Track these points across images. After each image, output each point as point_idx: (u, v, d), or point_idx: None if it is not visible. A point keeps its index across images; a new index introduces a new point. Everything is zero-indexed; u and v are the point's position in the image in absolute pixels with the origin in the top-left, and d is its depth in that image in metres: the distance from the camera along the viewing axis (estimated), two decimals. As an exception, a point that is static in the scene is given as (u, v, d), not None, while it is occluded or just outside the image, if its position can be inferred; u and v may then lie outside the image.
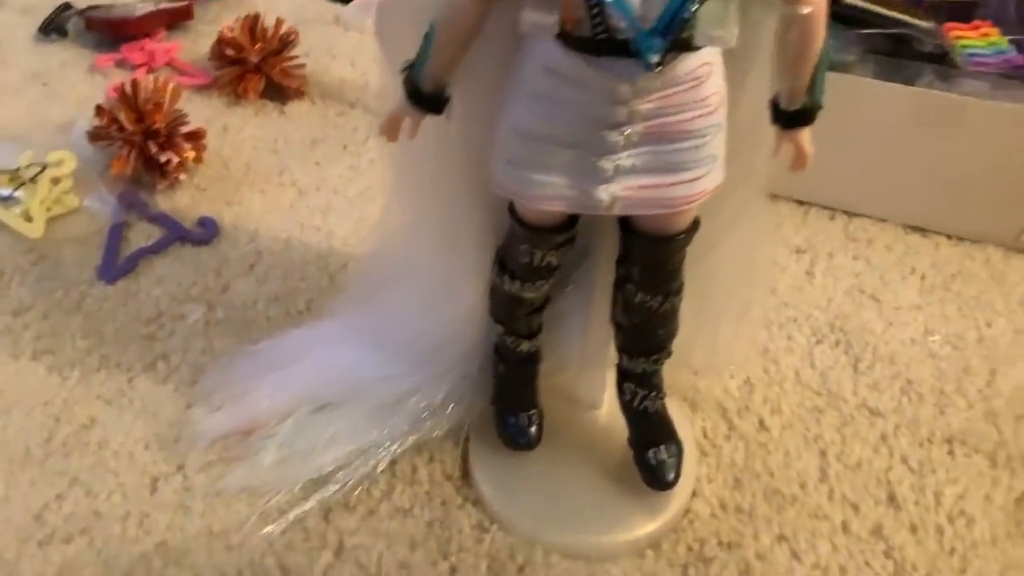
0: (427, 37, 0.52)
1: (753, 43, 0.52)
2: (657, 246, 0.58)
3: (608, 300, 0.64)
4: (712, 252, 0.63)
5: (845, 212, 0.95)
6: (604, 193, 0.53)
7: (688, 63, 0.49)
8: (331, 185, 0.98)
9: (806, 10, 0.48)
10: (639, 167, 0.52)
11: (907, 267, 0.89)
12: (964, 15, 1.02)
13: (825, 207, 0.95)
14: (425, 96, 0.53)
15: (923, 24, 0.99)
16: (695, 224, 0.58)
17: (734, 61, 0.52)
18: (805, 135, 0.54)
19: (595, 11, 0.46)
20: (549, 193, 0.54)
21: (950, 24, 0.98)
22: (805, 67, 0.51)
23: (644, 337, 0.64)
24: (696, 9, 0.46)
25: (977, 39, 0.96)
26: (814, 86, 0.52)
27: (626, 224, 0.59)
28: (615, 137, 0.51)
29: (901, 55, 0.95)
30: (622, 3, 0.45)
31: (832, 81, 0.88)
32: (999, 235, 0.91)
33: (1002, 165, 0.87)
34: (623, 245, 0.60)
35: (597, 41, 0.47)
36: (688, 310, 0.63)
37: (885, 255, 0.91)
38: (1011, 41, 0.96)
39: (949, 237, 0.92)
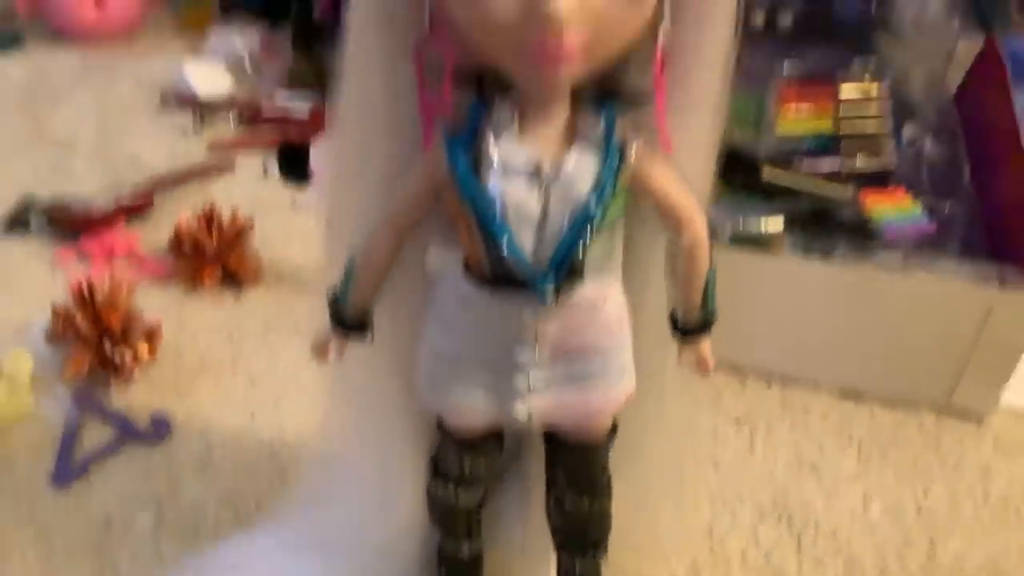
0: (348, 268, 0.56)
1: (647, 266, 0.57)
2: (577, 452, 0.61)
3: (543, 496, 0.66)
4: (643, 436, 0.66)
5: (781, 379, 0.98)
6: (521, 408, 0.57)
7: (585, 291, 0.53)
8: (283, 372, 1.00)
9: (688, 237, 0.53)
10: (552, 383, 0.56)
11: (844, 436, 0.92)
12: (881, 181, 1.08)
13: (762, 374, 0.99)
14: (348, 323, 0.57)
15: (842, 193, 1.05)
16: (614, 428, 0.61)
17: (633, 283, 0.56)
18: (705, 344, 0.58)
19: (492, 252, 0.50)
20: (469, 411, 0.58)
21: (867, 191, 1.03)
22: (695, 287, 0.55)
23: (578, 537, 0.66)
24: (584, 246, 0.50)
25: (892, 206, 1.01)
26: (707, 302, 0.56)
27: (549, 436, 0.62)
28: (525, 357, 0.55)
29: (822, 225, 1.00)
30: (515, 249, 0.49)
31: (755, 258, 0.93)
32: (930, 398, 0.94)
33: (923, 332, 0.91)
34: (547, 451, 0.63)
35: (498, 279, 0.51)
36: (626, 495, 0.65)
37: (822, 424, 0.93)
38: (924, 207, 1.02)
39: (883, 403, 0.95)
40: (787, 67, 1.27)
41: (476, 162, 0.49)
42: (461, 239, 0.52)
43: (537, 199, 0.49)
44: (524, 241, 0.50)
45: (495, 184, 0.49)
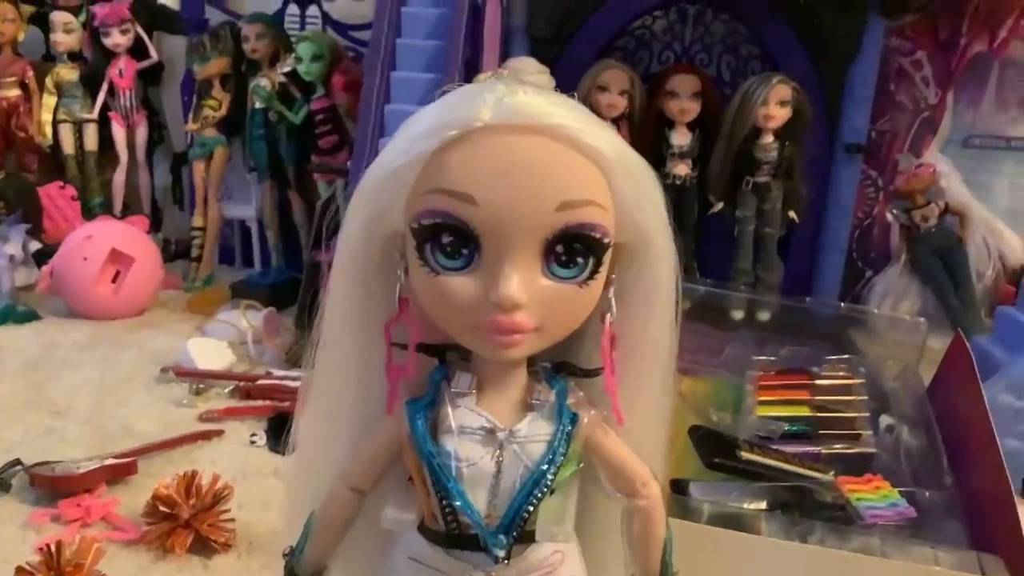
0: (307, 525, 0.57)
1: (604, 530, 0.57)
2: None
3: None
4: None
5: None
6: None
7: (540, 552, 0.54)
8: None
9: (642, 503, 0.55)
10: None
11: None
12: (860, 467, 1.09)
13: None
14: None
15: (821, 477, 1.05)
16: None
17: (590, 545, 0.57)
18: None
19: (447, 510, 0.52)
20: None
21: (843, 478, 1.04)
22: (652, 551, 0.56)
23: None
24: (536, 506, 0.52)
25: (870, 492, 1.01)
26: (665, 568, 0.56)
27: None
28: None
29: (802, 506, 1.00)
30: (468, 506, 0.51)
31: (734, 538, 0.92)
32: None
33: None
34: None
35: (452, 536, 0.53)
36: None
37: None
38: (902, 493, 1.02)
39: None
40: (765, 358, 1.32)
41: (435, 424, 0.53)
42: (418, 497, 0.54)
43: (492, 458, 0.52)
44: (478, 499, 0.52)
45: (451, 444, 0.52)
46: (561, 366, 0.55)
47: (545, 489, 0.51)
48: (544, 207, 0.48)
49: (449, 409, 0.52)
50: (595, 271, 0.50)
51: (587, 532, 0.58)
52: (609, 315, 0.53)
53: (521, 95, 0.48)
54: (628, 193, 0.50)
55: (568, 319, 0.52)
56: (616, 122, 1.64)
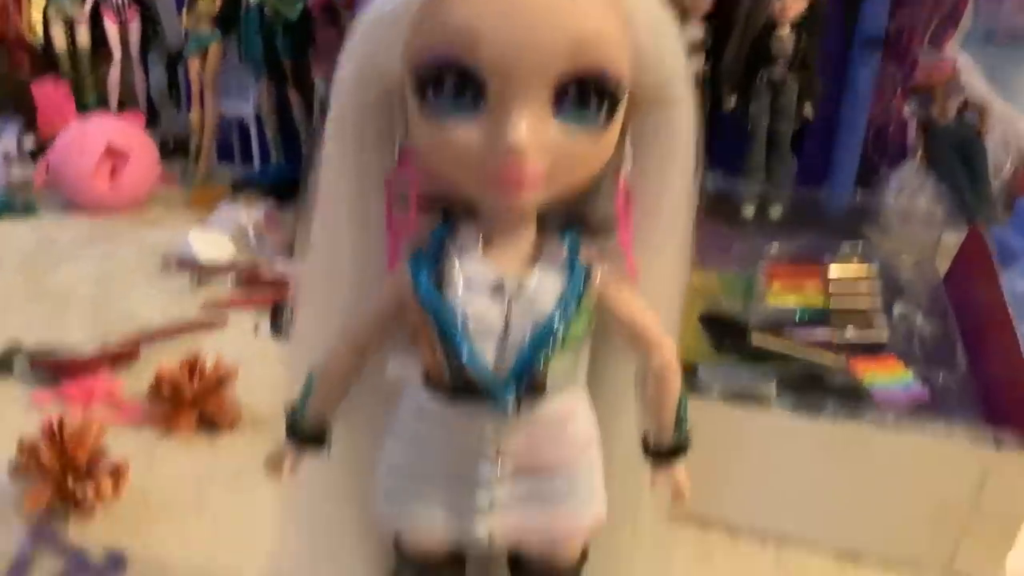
0: (307, 382, 0.55)
1: (617, 387, 0.56)
2: None
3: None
4: (616, 570, 0.61)
5: (776, 539, 0.93)
6: (482, 527, 0.54)
7: (550, 405, 0.52)
8: (250, 519, 0.95)
9: (656, 360, 0.53)
10: (515, 501, 0.54)
11: (843, 600, 0.86)
12: (872, 353, 1.07)
13: (756, 535, 0.93)
14: (305, 435, 0.56)
15: (832, 360, 1.04)
16: (584, 556, 0.58)
17: (602, 402, 0.55)
18: (679, 470, 0.56)
19: (454, 364, 0.50)
20: (428, 529, 0.55)
21: (858, 359, 1.03)
22: (666, 410, 0.54)
23: None
24: (545, 362, 0.49)
25: (883, 373, 1.00)
26: (679, 428, 0.54)
27: (514, 563, 0.58)
28: (486, 472, 0.53)
29: (814, 389, 0.98)
30: (475, 359, 0.49)
31: (746, 414, 0.91)
32: (931, 561, 0.89)
33: (917, 493, 0.87)
34: None
35: (458, 391, 0.50)
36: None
37: (819, 589, 0.88)
38: (915, 374, 1.00)
39: (883, 566, 0.90)
40: (777, 248, 1.30)
41: (439, 280, 0.50)
42: (422, 351, 0.52)
43: (499, 313, 0.49)
44: (485, 352, 0.49)
45: (457, 299, 0.49)
46: (573, 220, 0.51)
47: (555, 344, 0.49)
48: (555, 47, 0.43)
49: (455, 262, 0.50)
50: (609, 117, 0.46)
51: (599, 388, 0.56)
52: (624, 169, 0.50)
53: None
54: (646, 37, 0.46)
55: (579, 168, 0.48)
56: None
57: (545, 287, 0.49)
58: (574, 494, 0.54)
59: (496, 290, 0.49)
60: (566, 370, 0.52)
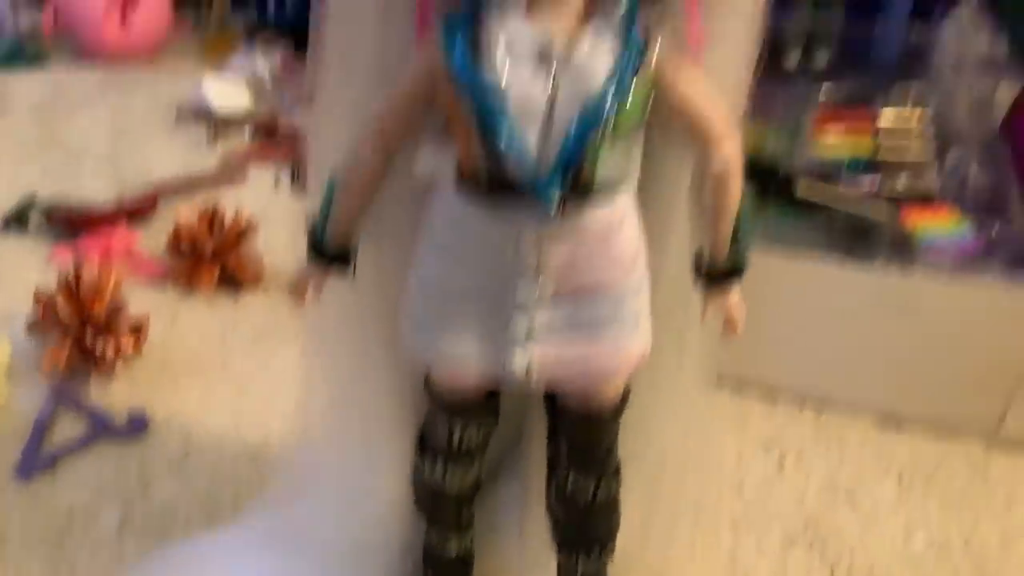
0: (328, 189, 0.49)
1: (671, 195, 0.50)
2: (584, 422, 0.53)
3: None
4: (658, 436, 0.58)
5: (815, 402, 0.90)
6: (520, 360, 0.49)
7: (596, 214, 0.46)
8: (275, 379, 0.94)
9: (718, 159, 0.46)
10: (555, 328, 0.49)
11: (883, 465, 0.83)
12: (924, 202, 1.01)
13: (794, 397, 0.90)
14: (329, 254, 0.51)
15: (881, 211, 0.98)
16: (625, 398, 0.53)
17: (653, 217, 0.49)
18: (733, 298, 0.50)
19: (491, 154, 0.44)
20: (461, 361, 0.50)
21: (909, 208, 0.97)
22: (724, 222, 0.48)
23: (582, 530, 0.57)
24: (595, 150, 0.43)
25: (937, 223, 0.94)
26: (738, 244, 0.49)
27: (551, 400, 0.54)
28: (525, 291, 0.47)
29: (862, 240, 0.93)
30: (516, 143, 0.43)
31: (794, 266, 0.86)
32: (978, 425, 0.85)
33: (967, 351, 0.83)
34: (550, 422, 0.55)
35: (496, 188, 0.45)
36: (637, 501, 0.58)
37: (859, 451, 0.85)
38: (971, 223, 0.95)
39: (927, 430, 0.87)
40: (825, 93, 1.22)
41: (476, 48, 0.43)
42: (456, 139, 0.45)
43: (544, 88, 0.43)
44: (527, 138, 0.43)
45: (496, 68, 0.43)
46: None
47: (606, 127, 0.43)
48: None
49: (494, 25, 0.43)
50: None
51: (649, 199, 0.50)
52: None
53: None
54: None
55: None
56: None
57: (597, 55, 0.43)
58: (619, 320, 0.49)
59: (542, 57, 0.42)
60: (618, 165, 0.45)
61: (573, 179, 0.44)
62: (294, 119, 1.48)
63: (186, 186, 1.29)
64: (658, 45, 0.44)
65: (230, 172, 1.34)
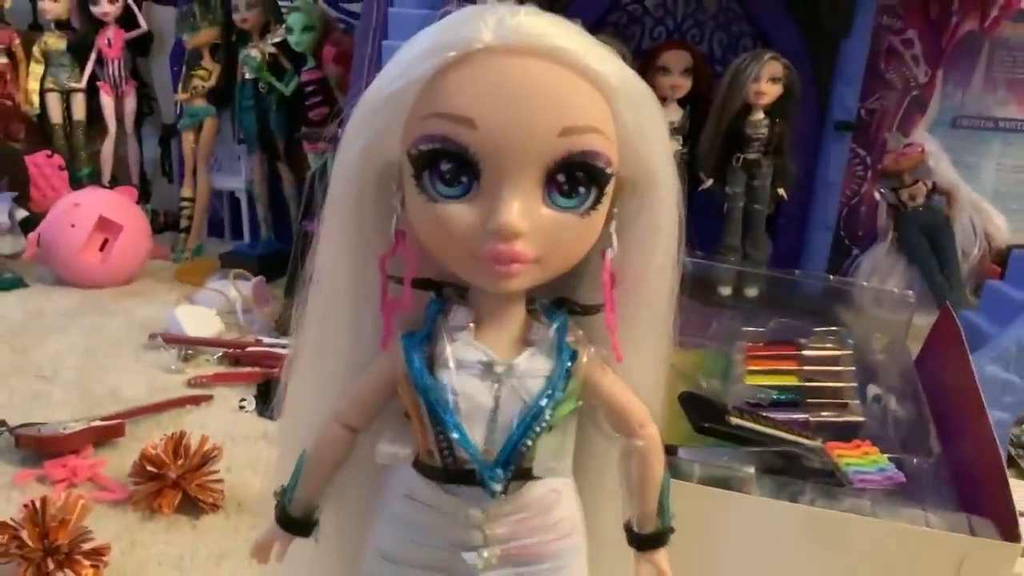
0: (298, 463, 0.56)
1: (602, 474, 0.57)
2: None
3: None
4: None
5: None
6: None
7: (535, 490, 0.53)
8: (232, 604, 0.96)
9: (640, 443, 0.54)
10: None
11: None
12: (848, 436, 1.09)
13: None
14: (294, 520, 0.56)
15: (809, 443, 1.06)
16: None
17: (587, 489, 0.57)
18: (661, 556, 0.57)
19: (443, 444, 0.51)
20: None
21: (832, 444, 1.04)
22: (649, 495, 0.55)
23: None
24: (533, 442, 0.51)
25: (858, 458, 1.02)
26: (662, 511, 0.56)
27: None
28: (473, 560, 0.53)
29: (792, 471, 1.00)
30: (466, 439, 0.51)
31: (726, 499, 0.92)
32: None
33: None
34: None
35: (448, 471, 0.52)
36: None
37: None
38: (890, 459, 1.02)
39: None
40: (754, 329, 1.32)
41: (431, 359, 0.52)
42: (413, 433, 0.53)
43: (490, 393, 0.51)
44: (475, 434, 0.51)
45: (449, 378, 0.51)
46: (560, 303, 0.53)
47: (543, 424, 0.51)
48: (546, 132, 0.46)
49: (446, 343, 0.51)
50: (597, 202, 0.49)
51: (584, 473, 0.57)
52: (610, 251, 0.52)
53: (523, 16, 0.47)
54: (632, 123, 0.49)
55: (568, 251, 0.50)
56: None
57: (533, 369, 0.51)
58: None
59: (487, 371, 0.51)
60: (553, 452, 0.53)
61: (515, 467, 0.51)
62: (262, 344, 1.56)
63: (153, 409, 1.33)
64: (585, 355, 0.52)
65: (196, 395, 1.39)
